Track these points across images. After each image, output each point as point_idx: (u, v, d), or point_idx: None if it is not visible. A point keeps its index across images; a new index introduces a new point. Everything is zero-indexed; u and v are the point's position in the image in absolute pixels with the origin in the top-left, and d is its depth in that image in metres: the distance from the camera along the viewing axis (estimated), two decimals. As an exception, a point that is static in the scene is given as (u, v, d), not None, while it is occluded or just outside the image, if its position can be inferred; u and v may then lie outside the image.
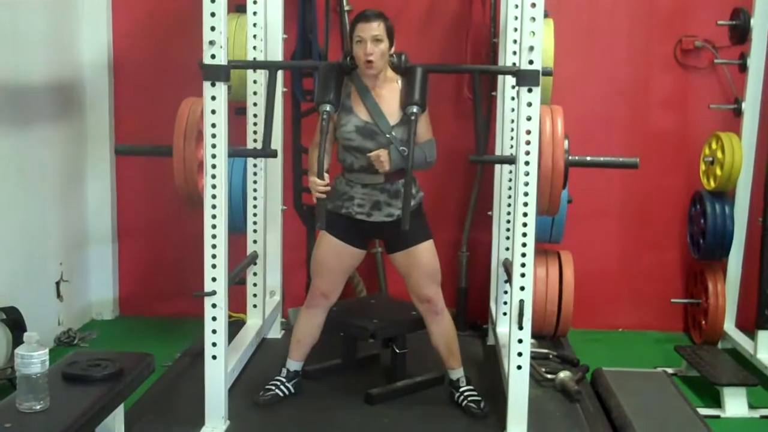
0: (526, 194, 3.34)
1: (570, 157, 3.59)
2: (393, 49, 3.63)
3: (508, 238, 4.43)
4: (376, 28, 3.53)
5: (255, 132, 4.45)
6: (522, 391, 3.48)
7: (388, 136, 3.58)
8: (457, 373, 3.85)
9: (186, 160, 3.67)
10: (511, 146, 4.35)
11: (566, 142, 3.56)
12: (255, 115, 4.45)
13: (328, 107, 3.57)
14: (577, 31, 5.24)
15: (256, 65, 4.41)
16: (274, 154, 3.86)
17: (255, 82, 4.43)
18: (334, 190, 3.65)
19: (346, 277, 3.88)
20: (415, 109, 3.53)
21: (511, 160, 3.65)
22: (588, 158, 3.76)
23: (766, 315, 4.60)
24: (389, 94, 3.65)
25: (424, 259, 3.72)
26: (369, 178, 3.65)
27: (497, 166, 4.63)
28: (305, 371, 3.97)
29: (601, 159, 3.88)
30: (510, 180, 4.34)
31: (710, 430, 3.55)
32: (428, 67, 3.69)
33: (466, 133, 5.18)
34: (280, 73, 4.41)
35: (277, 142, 4.55)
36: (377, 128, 3.59)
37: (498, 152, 4.62)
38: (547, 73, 3.48)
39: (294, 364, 3.90)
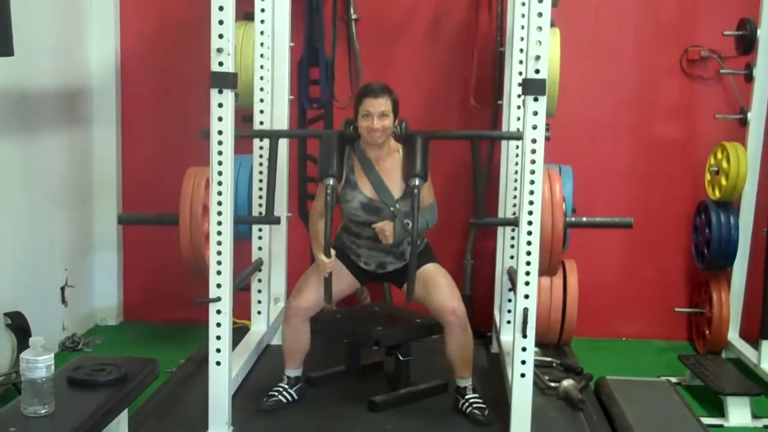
0: (531, 203, 3.35)
1: (568, 219, 3.69)
2: (396, 121, 3.68)
3: (512, 246, 4.43)
4: (383, 104, 3.60)
5: (261, 140, 4.47)
6: (525, 399, 3.48)
7: (392, 209, 3.64)
8: (466, 382, 3.86)
9: (192, 234, 3.75)
10: (516, 162, 4.38)
11: (564, 205, 3.65)
12: (261, 123, 4.47)
13: (331, 181, 3.61)
14: (584, 41, 5.25)
15: (259, 134, 4.41)
16: (276, 221, 3.98)
17: (262, 90, 4.45)
18: (341, 235, 3.84)
19: (334, 299, 3.81)
20: (417, 182, 3.58)
21: (513, 222, 3.75)
22: (584, 219, 3.95)
23: (771, 325, 4.60)
24: (392, 166, 3.71)
25: (438, 278, 3.77)
26: (374, 245, 3.74)
27: (502, 175, 4.64)
28: (308, 378, 3.98)
29: (597, 220, 4.06)
30: (515, 189, 4.35)
31: (713, 440, 3.56)
32: (428, 135, 3.74)
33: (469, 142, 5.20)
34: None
35: (283, 150, 4.57)
36: (382, 204, 3.66)
37: (503, 162, 4.63)
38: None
39: (292, 371, 3.91)
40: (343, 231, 3.89)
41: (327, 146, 3.68)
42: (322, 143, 3.73)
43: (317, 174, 3.73)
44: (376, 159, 3.72)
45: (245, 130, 4.38)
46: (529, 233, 3.37)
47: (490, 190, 4.84)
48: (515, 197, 4.30)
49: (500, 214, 4.68)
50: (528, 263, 3.38)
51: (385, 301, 5.32)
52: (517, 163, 4.33)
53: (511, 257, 4.42)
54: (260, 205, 4.49)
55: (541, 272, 3.64)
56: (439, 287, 3.74)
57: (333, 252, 3.57)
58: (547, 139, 3.37)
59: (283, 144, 4.58)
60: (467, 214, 5.29)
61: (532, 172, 3.35)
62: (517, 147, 4.16)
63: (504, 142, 4.68)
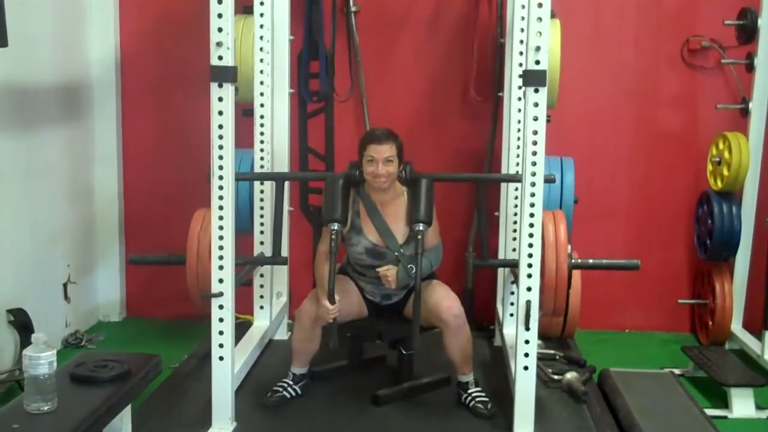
0: (533, 194, 3.34)
1: (573, 261, 3.69)
2: (401, 165, 3.69)
3: (515, 239, 4.43)
4: (388, 150, 3.60)
5: (262, 134, 4.47)
6: (529, 392, 3.48)
7: (396, 254, 3.65)
8: (468, 377, 3.85)
9: (199, 272, 3.79)
10: (518, 153, 4.37)
11: (569, 246, 3.65)
12: (262, 116, 4.46)
13: (336, 226, 3.61)
14: (584, 31, 5.24)
15: (262, 177, 4.46)
16: (284, 262, 4.05)
17: (262, 83, 4.44)
18: (345, 270, 3.87)
19: (344, 317, 3.76)
20: (421, 227, 3.60)
21: (514, 264, 3.79)
22: (590, 261, 3.88)
23: (774, 316, 4.59)
24: (397, 210, 3.72)
25: (437, 287, 3.77)
26: (378, 282, 3.75)
27: (503, 166, 4.63)
28: (312, 372, 3.97)
29: (604, 262, 4.01)
30: (516, 190, 4.34)
31: (717, 431, 3.55)
32: (433, 178, 3.74)
33: (473, 134, 5.20)
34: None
35: (284, 143, 4.57)
36: (386, 249, 3.68)
37: (504, 155, 4.62)
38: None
39: (298, 369, 3.90)
40: (347, 264, 3.91)
41: (332, 190, 3.68)
42: (327, 186, 3.72)
43: (322, 217, 3.72)
44: (381, 203, 3.73)
45: (246, 124, 4.39)
46: (531, 235, 3.36)
47: (491, 190, 4.82)
48: (518, 142, 4.34)
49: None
50: (530, 255, 3.38)
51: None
52: (520, 110, 4.30)
53: (513, 250, 4.42)
54: (261, 200, 4.49)
55: (547, 314, 3.68)
56: (435, 289, 3.75)
57: (337, 298, 3.55)
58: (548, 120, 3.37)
59: (285, 138, 4.58)
60: (469, 205, 5.30)
61: (534, 164, 3.33)
62: (520, 87, 4.05)
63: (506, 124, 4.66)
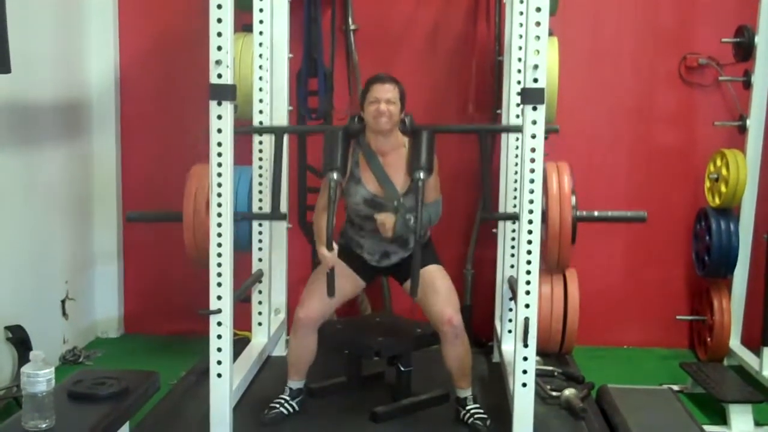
0: (531, 212, 3.34)
1: (578, 213, 3.62)
2: (403, 113, 3.67)
3: (513, 255, 4.43)
4: (391, 90, 3.58)
5: (261, 150, 4.47)
6: (527, 408, 3.47)
7: (395, 204, 3.62)
8: (466, 392, 3.84)
9: (195, 228, 3.73)
10: (516, 172, 4.37)
11: (573, 198, 3.58)
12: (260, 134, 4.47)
13: (335, 175, 3.58)
14: (582, 49, 5.27)
15: (262, 130, 4.42)
16: (283, 217, 3.95)
17: (261, 101, 4.45)
18: (345, 231, 3.78)
19: (337, 304, 3.84)
20: (421, 174, 3.56)
21: (517, 217, 3.71)
22: (596, 213, 3.83)
23: (772, 332, 4.59)
24: (397, 161, 3.69)
25: (438, 282, 3.74)
26: (378, 236, 3.71)
27: (502, 181, 4.64)
28: (310, 389, 3.96)
29: (609, 214, 3.97)
30: (515, 198, 4.34)
31: (717, 448, 3.55)
32: (434, 129, 3.72)
33: (471, 149, 5.19)
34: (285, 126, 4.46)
35: (282, 159, 4.57)
36: (385, 199, 3.65)
37: (502, 172, 4.62)
38: (552, 130, 3.49)
39: (295, 383, 3.89)
40: (347, 224, 3.87)
41: (331, 141, 3.65)
42: (326, 138, 3.70)
43: (321, 168, 3.70)
44: (381, 152, 3.69)
45: (244, 140, 4.40)
46: (530, 242, 3.36)
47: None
48: (515, 197, 4.30)
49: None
50: (528, 272, 3.38)
51: (385, 309, 5.31)
52: (517, 164, 4.30)
53: (512, 266, 4.42)
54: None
55: (550, 268, 3.61)
56: (437, 293, 3.71)
57: (335, 246, 3.53)
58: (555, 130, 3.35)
59: (284, 155, 4.58)
60: (468, 221, 5.31)
61: (532, 181, 3.34)
62: (518, 105, 4.04)
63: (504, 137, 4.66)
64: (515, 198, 4.31)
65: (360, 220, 3.77)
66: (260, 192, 4.49)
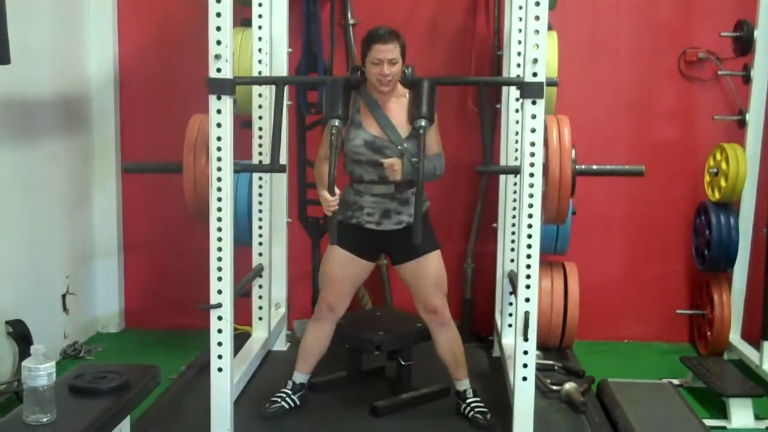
0: (530, 206, 3.35)
1: (577, 167, 3.60)
2: (403, 66, 3.63)
3: (513, 249, 4.42)
4: (393, 50, 3.53)
5: (260, 145, 4.47)
6: (527, 402, 3.48)
7: (400, 147, 3.58)
8: (464, 384, 3.85)
9: (196, 177, 3.67)
10: (516, 158, 4.38)
11: (573, 151, 3.57)
12: (261, 129, 4.47)
13: (336, 122, 3.54)
14: (581, 44, 5.26)
15: (262, 81, 4.42)
16: (283, 169, 3.89)
17: (260, 95, 4.45)
18: (343, 201, 3.64)
19: (353, 290, 3.86)
20: (423, 122, 3.52)
21: (518, 170, 3.66)
22: (594, 167, 3.81)
23: (772, 326, 4.60)
24: (398, 109, 3.65)
25: (431, 269, 3.72)
26: (379, 188, 3.66)
27: (502, 178, 4.64)
28: (311, 383, 3.97)
29: (608, 167, 3.97)
30: (515, 192, 4.35)
31: (716, 442, 3.56)
32: (435, 80, 3.68)
33: (471, 145, 5.20)
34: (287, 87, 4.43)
35: (282, 156, 4.57)
36: (388, 142, 3.60)
37: (503, 164, 4.62)
38: (552, 83, 3.48)
39: (300, 376, 3.90)
40: (348, 187, 3.78)
41: (332, 90, 3.62)
42: (327, 88, 3.67)
43: (322, 117, 3.68)
44: (383, 101, 3.66)
45: (245, 137, 4.40)
46: (529, 246, 3.37)
47: (489, 198, 4.83)
48: (516, 150, 4.33)
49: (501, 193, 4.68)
50: (528, 266, 3.39)
51: (385, 304, 5.32)
52: (517, 121, 4.27)
53: (512, 261, 4.42)
54: (260, 211, 4.50)
55: (549, 220, 3.60)
56: (427, 280, 3.72)
57: (337, 191, 3.49)
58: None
59: (283, 150, 4.58)
60: (467, 216, 5.31)
61: (531, 174, 3.35)
62: (518, 99, 4.00)
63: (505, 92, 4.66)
64: (516, 150, 4.33)
65: (360, 168, 3.67)
66: (260, 188, 4.49)
